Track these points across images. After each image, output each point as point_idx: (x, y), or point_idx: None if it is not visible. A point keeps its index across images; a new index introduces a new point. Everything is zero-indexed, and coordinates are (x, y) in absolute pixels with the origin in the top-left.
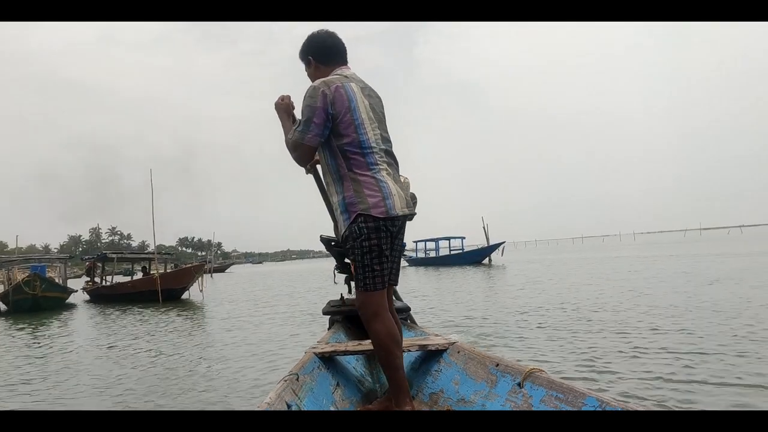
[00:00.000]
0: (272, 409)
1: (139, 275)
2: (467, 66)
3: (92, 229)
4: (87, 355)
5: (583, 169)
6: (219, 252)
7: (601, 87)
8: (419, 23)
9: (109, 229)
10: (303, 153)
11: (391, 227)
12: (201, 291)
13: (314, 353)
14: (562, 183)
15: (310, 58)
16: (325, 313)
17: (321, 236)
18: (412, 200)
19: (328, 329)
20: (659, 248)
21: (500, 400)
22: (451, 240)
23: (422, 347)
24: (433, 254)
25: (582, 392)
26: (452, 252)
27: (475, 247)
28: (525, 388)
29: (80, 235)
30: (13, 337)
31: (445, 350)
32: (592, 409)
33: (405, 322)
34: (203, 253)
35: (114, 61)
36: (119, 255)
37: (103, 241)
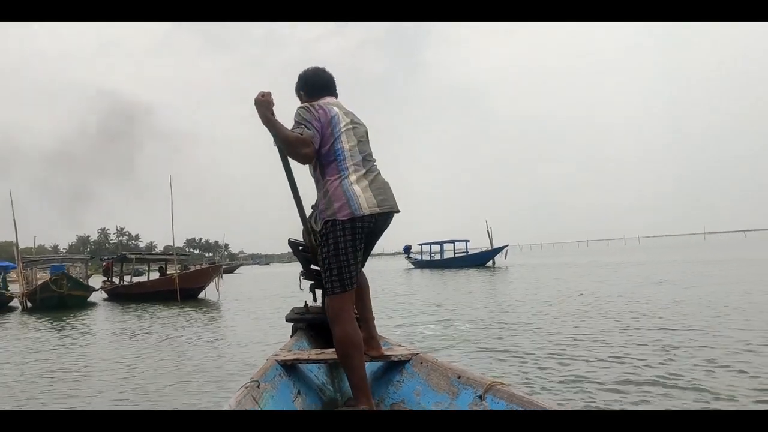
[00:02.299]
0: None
1: (148, 276)
2: (468, 70)
3: (100, 229)
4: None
5: (585, 172)
6: (226, 253)
7: (602, 88)
8: (423, 26)
9: (117, 229)
10: (310, 151)
11: (360, 227)
12: (218, 290)
13: (276, 360)
14: (565, 185)
15: (302, 93)
16: (288, 320)
17: (289, 240)
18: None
19: (291, 336)
20: (664, 253)
21: None
22: (456, 243)
23: (385, 357)
24: (438, 257)
25: (543, 406)
26: (456, 255)
27: (479, 250)
28: (486, 401)
29: (88, 236)
30: (59, 330)
31: (408, 361)
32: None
33: None
34: (210, 254)
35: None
36: (138, 256)
37: (111, 241)
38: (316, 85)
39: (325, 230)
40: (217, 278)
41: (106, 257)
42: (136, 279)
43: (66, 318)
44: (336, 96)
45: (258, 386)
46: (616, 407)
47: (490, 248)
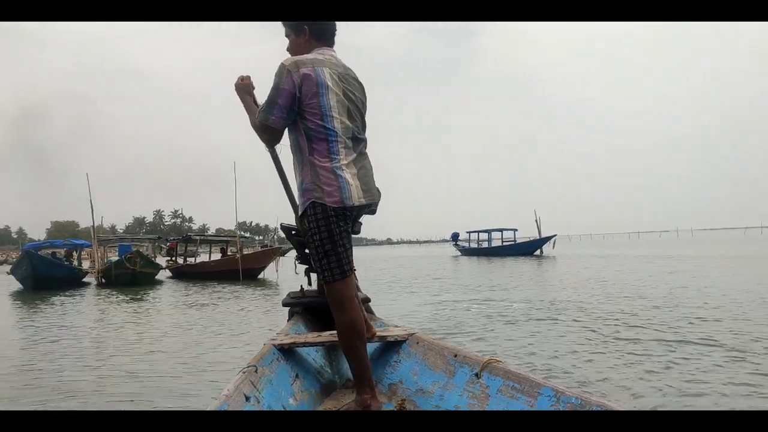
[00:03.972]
0: (230, 402)
1: (210, 256)
2: (523, 56)
3: (155, 211)
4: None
5: (638, 160)
6: (275, 237)
7: (659, 77)
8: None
9: (171, 211)
10: (270, 135)
11: (348, 214)
12: (277, 271)
13: (273, 345)
14: (617, 174)
15: (306, 28)
16: (284, 304)
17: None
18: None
19: (288, 320)
20: (720, 246)
21: (458, 390)
22: (504, 231)
23: (381, 338)
24: (485, 245)
25: (538, 382)
26: (504, 243)
27: (527, 239)
28: (483, 379)
29: (144, 217)
30: (139, 302)
31: (405, 341)
32: (548, 397)
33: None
34: (260, 237)
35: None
36: (202, 237)
37: (166, 223)
38: (327, 29)
39: (313, 213)
40: (277, 259)
41: (172, 237)
42: (190, 259)
43: (140, 292)
44: (332, 45)
45: (256, 371)
46: None
47: (538, 237)
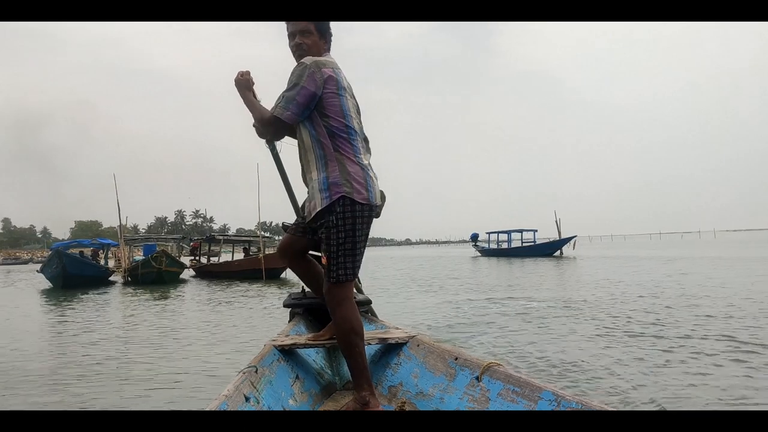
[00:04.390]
0: (230, 402)
1: (233, 256)
2: (543, 56)
3: (177, 211)
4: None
5: (661, 162)
6: None
7: (681, 80)
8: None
9: (192, 212)
10: (278, 128)
11: (369, 215)
12: None
13: (274, 346)
14: (639, 175)
15: (313, 28)
16: (285, 305)
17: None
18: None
19: (289, 321)
20: (741, 248)
21: (458, 393)
22: (524, 232)
23: (382, 340)
24: (505, 246)
25: (538, 386)
26: (524, 244)
27: (547, 240)
28: (483, 382)
29: (165, 217)
30: (166, 298)
31: (405, 343)
32: (548, 401)
33: (366, 315)
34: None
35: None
36: (225, 237)
37: (187, 223)
38: (329, 34)
39: (341, 208)
40: None
41: (195, 237)
42: (213, 258)
43: (167, 290)
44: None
45: (256, 371)
46: None
47: (558, 238)
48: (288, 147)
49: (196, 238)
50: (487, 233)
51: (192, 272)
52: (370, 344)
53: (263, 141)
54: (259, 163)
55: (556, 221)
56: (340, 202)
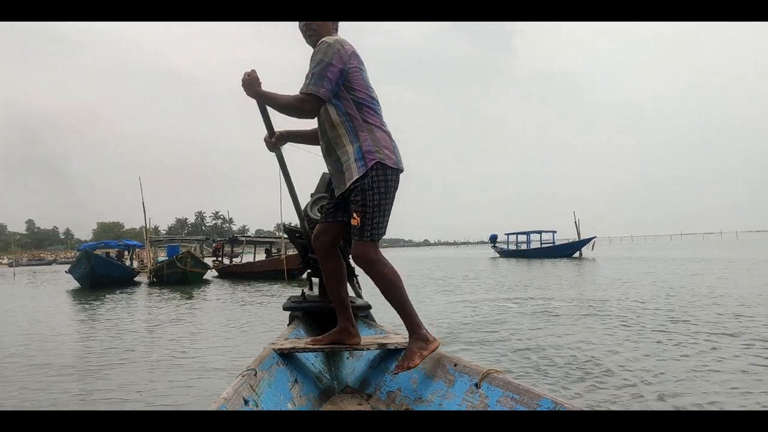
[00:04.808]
0: (229, 405)
1: (254, 257)
2: (561, 56)
3: (197, 213)
4: None
5: (681, 162)
6: None
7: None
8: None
9: (212, 213)
10: (312, 106)
11: (397, 179)
12: None
13: (273, 349)
14: (659, 176)
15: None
16: (285, 308)
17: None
18: None
19: (288, 325)
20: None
21: (457, 399)
22: (543, 233)
23: (381, 345)
24: (524, 247)
25: (537, 393)
26: (543, 245)
27: (566, 241)
28: (482, 389)
29: (186, 218)
30: (191, 298)
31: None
32: (547, 409)
33: (365, 320)
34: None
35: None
36: (248, 238)
37: (207, 224)
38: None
39: (376, 173)
40: None
41: (218, 239)
42: (235, 259)
43: (192, 290)
44: None
45: (255, 374)
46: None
47: (577, 239)
48: (287, 150)
49: (218, 239)
50: (505, 234)
51: (214, 273)
52: (369, 349)
53: (269, 149)
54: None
55: (575, 222)
56: (377, 168)
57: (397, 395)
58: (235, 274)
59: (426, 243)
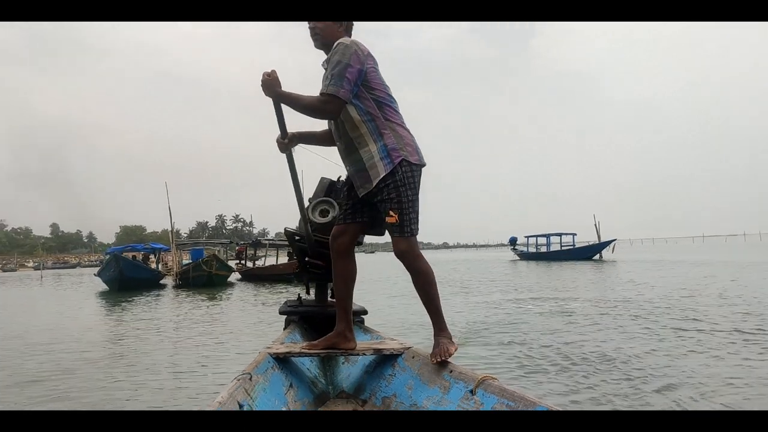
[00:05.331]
0: (223, 408)
1: (277, 260)
2: (580, 56)
3: (218, 216)
4: None
5: (701, 162)
6: None
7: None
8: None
9: (233, 216)
10: (335, 107)
11: (420, 175)
12: None
13: (268, 353)
14: (681, 176)
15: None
16: (281, 312)
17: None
18: None
19: (284, 329)
20: None
21: (452, 406)
22: (563, 236)
23: (377, 351)
24: (544, 249)
25: (533, 401)
26: (563, 247)
27: (586, 244)
28: (477, 395)
29: (206, 221)
30: (218, 300)
31: (400, 355)
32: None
33: (360, 326)
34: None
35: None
36: (270, 241)
37: (228, 227)
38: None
39: (402, 170)
40: None
41: (241, 242)
42: (258, 262)
43: (217, 292)
44: None
45: (250, 378)
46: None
47: (597, 242)
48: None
49: (241, 242)
50: (525, 237)
51: (238, 275)
52: (365, 354)
53: (279, 148)
54: (303, 170)
55: (596, 224)
56: (403, 165)
57: (392, 401)
58: (257, 277)
59: (445, 245)
